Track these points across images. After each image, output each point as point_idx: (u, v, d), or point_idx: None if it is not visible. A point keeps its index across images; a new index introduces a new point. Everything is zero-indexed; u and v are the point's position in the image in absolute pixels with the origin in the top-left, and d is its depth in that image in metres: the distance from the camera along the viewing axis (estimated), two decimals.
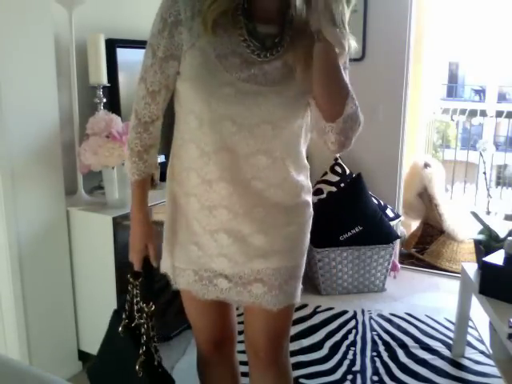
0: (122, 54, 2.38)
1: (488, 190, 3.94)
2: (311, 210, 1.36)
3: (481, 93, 8.96)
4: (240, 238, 1.25)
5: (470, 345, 2.47)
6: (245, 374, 1.55)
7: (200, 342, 1.49)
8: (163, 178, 2.52)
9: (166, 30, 1.16)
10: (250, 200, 1.22)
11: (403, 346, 2.48)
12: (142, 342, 1.37)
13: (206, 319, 1.43)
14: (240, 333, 1.52)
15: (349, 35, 1.10)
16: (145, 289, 1.41)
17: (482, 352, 2.42)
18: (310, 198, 1.34)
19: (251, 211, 1.23)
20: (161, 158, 2.54)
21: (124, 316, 1.43)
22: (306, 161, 1.32)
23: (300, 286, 1.35)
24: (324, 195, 3.09)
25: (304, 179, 1.30)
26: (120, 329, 1.42)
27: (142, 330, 1.38)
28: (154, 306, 1.41)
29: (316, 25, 1.07)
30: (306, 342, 2.49)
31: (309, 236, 1.37)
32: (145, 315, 1.39)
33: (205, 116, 1.17)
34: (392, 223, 3.13)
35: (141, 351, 1.36)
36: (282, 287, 1.28)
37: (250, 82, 1.14)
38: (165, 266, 1.40)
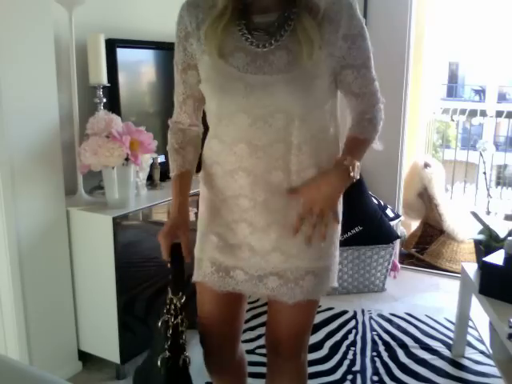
0: (122, 54, 2.38)
1: (488, 190, 3.94)
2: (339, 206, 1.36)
3: (481, 93, 8.96)
4: (259, 228, 1.27)
5: (470, 345, 2.47)
6: (256, 376, 1.51)
7: (206, 339, 1.49)
8: (163, 178, 2.53)
9: (180, 45, 1.27)
10: (269, 190, 1.24)
11: (403, 345, 2.48)
12: (168, 335, 1.28)
13: (217, 312, 1.43)
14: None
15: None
16: (174, 278, 1.35)
17: (482, 352, 2.42)
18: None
19: (270, 201, 1.24)
20: (161, 158, 2.54)
21: (165, 310, 1.34)
22: (334, 148, 1.31)
23: (324, 284, 1.34)
24: None
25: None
26: (159, 323, 1.33)
27: (170, 322, 1.30)
28: (184, 298, 1.33)
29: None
30: None
31: (335, 235, 1.39)
32: (173, 307, 1.32)
33: (221, 111, 1.23)
34: (392, 223, 3.13)
35: (166, 346, 1.28)
36: (297, 282, 1.29)
37: (258, 73, 1.17)
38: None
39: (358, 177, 1.26)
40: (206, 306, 1.45)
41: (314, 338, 2.52)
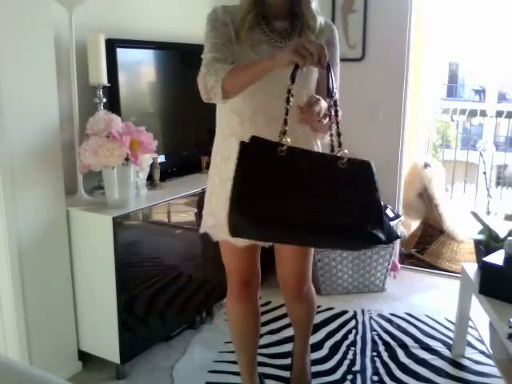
0: (122, 54, 2.38)
1: (488, 190, 3.94)
2: None
3: (481, 93, 8.95)
4: None
5: (470, 345, 2.47)
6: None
7: (232, 281, 1.83)
8: (163, 178, 2.53)
9: (218, 25, 1.58)
10: None
11: (403, 346, 2.48)
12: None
13: (239, 262, 1.78)
14: None
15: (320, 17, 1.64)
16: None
17: (482, 352, 2.42)
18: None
19: None
20: (161, 158, 2.54)
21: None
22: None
23: None
24: None
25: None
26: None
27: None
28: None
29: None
30: None
31: None
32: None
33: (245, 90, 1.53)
34: (392, 223, 3.13)
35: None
36: None
37: None
38: (205, 226, 1.74)
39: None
40: (229, 259, 1.79)
41: (314, 338, 2.52)
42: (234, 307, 1.88)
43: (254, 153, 1.34)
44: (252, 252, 1.77)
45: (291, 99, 1.37)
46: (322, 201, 1.32)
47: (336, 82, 1.53)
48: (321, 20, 1.65)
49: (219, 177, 1.67)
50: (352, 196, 1.34)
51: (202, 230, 1.75)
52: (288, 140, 1.33)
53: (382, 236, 1.31)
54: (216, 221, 1.67)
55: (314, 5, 1.63)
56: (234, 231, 1.36)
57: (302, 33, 1.63)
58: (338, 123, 1.39)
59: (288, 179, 1.32)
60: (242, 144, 1.34)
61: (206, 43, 1.61)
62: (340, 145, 1.38)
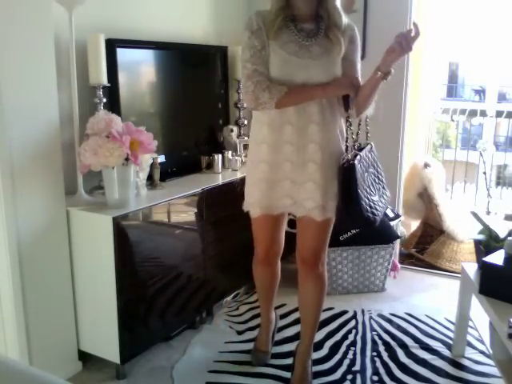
0: (122, 53, 2.38)
1: (488, 190, 3.94)
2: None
3: (481, 93, 8.95)
4: (298, 182, 1.92)
5: (470, 345, 2.47)
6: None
7: (258, 249, 2.18)
8: (163, 178, 2.53)
9: (257, 33, 1.85)
10: (305, 136, 1.90)
11: (403, 346, 2.48)
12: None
13: (264, 233, 2.11)
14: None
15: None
16: None
17: (482, 352, 2.42)
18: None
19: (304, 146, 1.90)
20: (161, 158, 2.54)
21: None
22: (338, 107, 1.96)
23: (334, 206, 1.94)
24: None
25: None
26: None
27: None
28: None
29: (387, 68, 1.76)
30: None
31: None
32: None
33: (275, 80, 1.85)
34: (392, 223, 3.13)
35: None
36: (324, 205, 1.91)
37: (301, 56, 1.84)
38: (246, 206, 2.04)
39: (350, 107, 1.91)
40: (257, 230, 2.11)
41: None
42: (257, 268, 2.25)
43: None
44: (276, 226, 2.10)
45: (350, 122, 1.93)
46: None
47: (358, 74, 1.95)
48: (344, 19, 1.88)
49: (249, 177, 2.04)
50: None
51: (245, 209, 2.06)
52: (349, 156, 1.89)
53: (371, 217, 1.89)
54: (252, 199, 2.01)
55: (339, 4, 1.87)
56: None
57: (328, 31, 1.86)
58: (366, 119, 2.03)
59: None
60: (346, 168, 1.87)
61: (244, 50, 1.87)
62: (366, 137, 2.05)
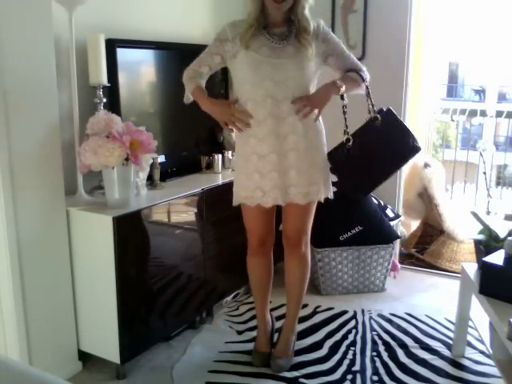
0: (122, 54, 2.38)
1: (488, 190, 3.93)
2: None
3: (481, 93, 8.95)
4: (282, 171, 2.05)
5: (470, 345, 2.47)
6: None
7: (251, 240, 2.24)
8: (163, 178, 2.53)
9: (217, 41, 2.05)
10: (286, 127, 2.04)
11: (403, 346, 2.48)
12: None
13: (257, 223, 2.19)
14: None
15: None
16: None
17: (482, 352, 2.42)
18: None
19: (282, 130, 2.03)
20: (161, 158, 2.54)
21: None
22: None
23: (322, 189, 2.12)
24: None
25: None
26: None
27: None
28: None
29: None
30: (306, 342, 2.49)
31: (325, 162, 2.12)
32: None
33: (254, 80, 2.00)
34: (392, 223, 3.13)
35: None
36: (307, 191, 2.08)
37: (276, 57, 1.98)
38: (237, 200, 2.14)
39: (344, 98, 2.03)
40: (249, 220, 2.20)
41: (313, 338, 2.53)
42: (251, 260, 2.30)
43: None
44: (267, 216, 2.19)
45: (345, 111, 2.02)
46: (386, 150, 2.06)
47: (350, 60, 2.12)
48: (313, 24, 2.03)
49: (240, 171, 2.14)
50: (395, 133, 2.08)
51: (234, 203, 2.16)
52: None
53: (418, 144, 2.08)
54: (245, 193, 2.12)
55: (307, 12, 2.01)
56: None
57: (298, 35, 2.01)
58: (369, 94, 2.12)
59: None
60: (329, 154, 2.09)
61: (204, 51, 2.09)
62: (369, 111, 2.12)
